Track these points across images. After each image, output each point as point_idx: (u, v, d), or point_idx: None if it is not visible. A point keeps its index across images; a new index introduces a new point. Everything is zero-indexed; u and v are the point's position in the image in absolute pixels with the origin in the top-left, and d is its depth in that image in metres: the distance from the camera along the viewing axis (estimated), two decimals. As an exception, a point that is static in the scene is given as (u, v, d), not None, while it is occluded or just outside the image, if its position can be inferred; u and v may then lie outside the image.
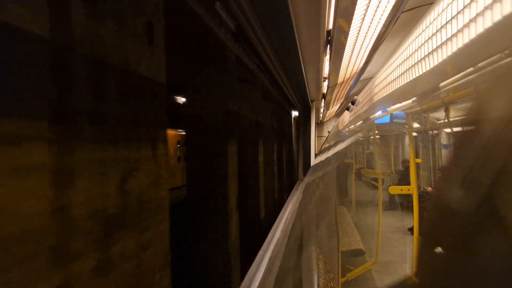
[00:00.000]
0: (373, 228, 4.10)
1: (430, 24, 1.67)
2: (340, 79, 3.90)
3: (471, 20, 1.25)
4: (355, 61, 3.23)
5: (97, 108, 0.61)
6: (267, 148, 3.33)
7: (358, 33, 2.29)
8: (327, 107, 6.96)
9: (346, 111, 7.32)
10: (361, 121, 5.31)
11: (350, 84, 4.72)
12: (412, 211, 2.71)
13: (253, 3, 1.55)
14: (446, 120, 2.22)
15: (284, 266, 1.54)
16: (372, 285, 3.37)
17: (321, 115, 8.20)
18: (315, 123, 6.08)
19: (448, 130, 3.29)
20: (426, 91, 2.09)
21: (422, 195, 3.02)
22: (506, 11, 1.06)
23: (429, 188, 4.05)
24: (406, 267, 3.25)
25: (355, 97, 5.57)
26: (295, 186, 4.18)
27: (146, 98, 0.79)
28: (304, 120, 5.21)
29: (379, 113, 3.85)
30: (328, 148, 7.06)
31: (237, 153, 1.94)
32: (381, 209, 4.28)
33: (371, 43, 2.59)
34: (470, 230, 0.28)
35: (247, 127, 2.56)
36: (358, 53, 2.89)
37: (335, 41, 2.17)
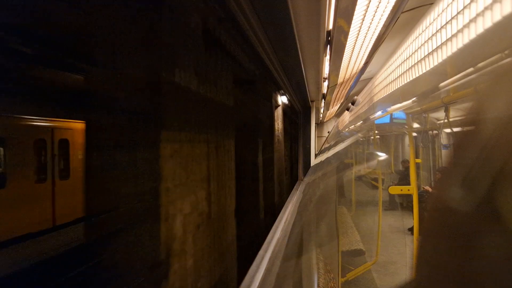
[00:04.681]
0: (373, 228, 4.10)
1: (430, 24, 1.67)
2: (340, 79, 3.90)
3: (471, 21, 1.25)
4: (355, 61, 3.23)
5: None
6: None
7: (358, 33, 2.29)
8: (327, 107, 6.97)
9: (346, 111, 7.33)
10: (361, 121, 5.32)
11: (350, 84, 4.72)
12: (412, 211, 2.71)
13: (253, 3, 1.55)
14: (446, 120, 2.22)
15: (284, 266, 1.54)
16: (372, 285, 3.37)
17: (321, 115, 8.21)
18: (315, 123, 6.09)
19: (448, 130, 3.29)
20: (426, 91, 2.10)
21: (422, 195, 3.03)
22: (506, 11, 1.06)
23: (428, 188, 4.05)
24: (406, 267, 3.25)
25: (355, 97, 5.57)
26: (295, 186, 4.19)
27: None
28: (304, 120, 5.22)
29: (379, 113, 3.86)
30: (328, 148, 7.06)
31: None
32: (381, 209, 4.29)
33: (371, 43, 2.59)
34: (470, 230, 0.28)
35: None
36: (358, 53, 2.90)
37: (335, 41, 2.17)
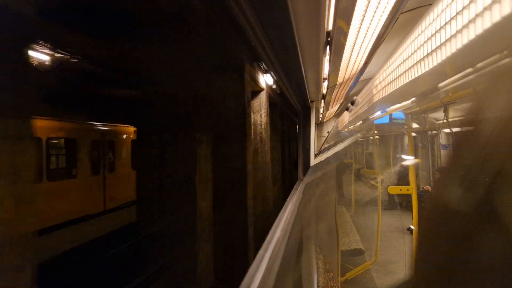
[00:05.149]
0: (373, 227, 4.11)
1: (429, 25, 1.68)
2: (340, 79, 3.90)
3: (470, 21, 1.26)
4: (355, 62, 3.23)
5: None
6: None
7: (358, 34, 2.30)
8: (326, 108, 6.97)
9: (346, 111, 7.33)
10: (361, 122, 5.32)
11: (350, 84, 4.72)
12: (411, 210, 2.71)
13: (253, 3, 1.55)
14: (445, 121, 2.23)
15: (284, 265, 1.55)
16: (371, 284, 3.38)
17: (320, 115, 8.21)
18: (315, 123, 6.09)
19: (447, 130, 3.30)
20: (425, 91, 2.10)
21: (421, 195, 3.03)
22: (505, 12, 1.07)
23: (428, 187, 4.06)
24: (405, 267, 3.26)
25: (355, 97, 5.57)
26: (294, 186, 4.19)
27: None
28: (304, 120, 5.21)
29: (378, 113, 3.86)
30: (328, 148, 7.06)
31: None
32: (380, 209, 4.29)
33: (371, 44, 2.59)
34: (468, 230, 0.28)
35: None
36: (358, 53, 2.90)
37: (335, 41, 2.17)
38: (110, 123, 6.29)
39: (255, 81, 2.59)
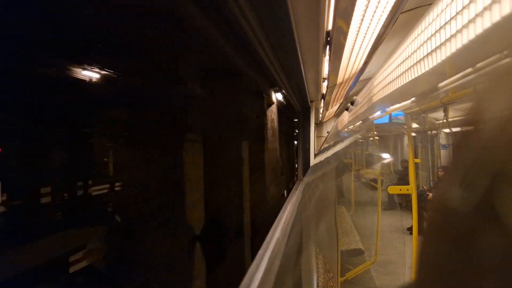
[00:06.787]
0: (372, 227, 4.11)
1: (429, 24, 1.68)
2: (340, 79, 3.90)
3: (470, 21, 1.26)
4: (355, 62, 3.23)
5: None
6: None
7: (357, 34, 2.30)
8: (326, 108, 6.97)
9: (346, 111, 7.34)
10: (360, 122, 5.33)
11: (350, 84, 4.72)
12: (411, 211, 2.72)
13: (252, 3, 1.55)
14: (445, 120, 2.23)
15: (283, 265, 1.55)
16: (371, 284, 3.38)
17: (320, 115, 8.22)
18: (315, 123, 6.09)
19: (447, 130, 3.30)
20: (425, 91, 2.10)
21: (421, 195, 3.03)
22: (505, 12, 1.07)
23: (427, 188, 4.06)
24: (405, 267, 3.26)
25: (355, 97, 5.58)
26: (294, 186, 4.19)
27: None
28: (304, 120, 5.22)
29: (378, 113, 3.86)
30: (328, 148, 7.07)
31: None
32: (380, 209, 4.29)
33: (370, 44, 2.59)
34: (469, 231, 0.28)
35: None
36: (358, 53, 2.90)
37: (335, 41, 2.17)
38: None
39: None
